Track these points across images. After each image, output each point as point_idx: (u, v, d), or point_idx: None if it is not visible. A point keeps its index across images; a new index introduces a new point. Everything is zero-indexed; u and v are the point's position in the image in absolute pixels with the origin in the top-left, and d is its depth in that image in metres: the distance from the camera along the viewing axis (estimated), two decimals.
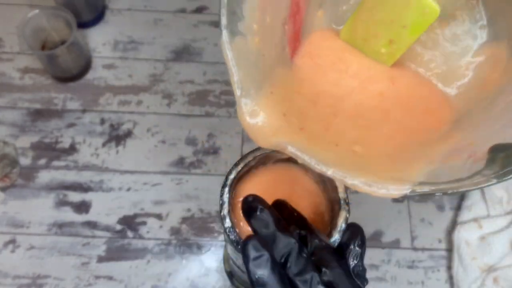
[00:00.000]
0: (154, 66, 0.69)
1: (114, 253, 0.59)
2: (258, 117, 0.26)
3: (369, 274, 0.55)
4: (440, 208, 0.63)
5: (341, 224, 0.33)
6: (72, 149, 0.64)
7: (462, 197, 0.62)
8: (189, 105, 0.67)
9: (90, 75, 0.68)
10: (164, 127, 0.66)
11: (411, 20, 0.31)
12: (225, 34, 0.27)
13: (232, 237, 0.32)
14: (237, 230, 0.33)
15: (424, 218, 0.62)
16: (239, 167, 0.35)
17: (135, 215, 0.61)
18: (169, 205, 0.61)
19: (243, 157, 0.36)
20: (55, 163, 0.63)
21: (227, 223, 0.33)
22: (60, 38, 0.66)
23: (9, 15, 0.71)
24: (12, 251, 0.58)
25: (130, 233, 0.60)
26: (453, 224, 0.61)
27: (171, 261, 0.59)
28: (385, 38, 0.32)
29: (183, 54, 0.71)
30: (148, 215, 0.61)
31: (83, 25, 0.70)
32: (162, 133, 0.65)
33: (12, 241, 0.59)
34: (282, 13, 0.29)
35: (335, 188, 0.35)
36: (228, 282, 0.58)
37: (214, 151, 0.65)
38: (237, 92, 0.25)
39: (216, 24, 0.73)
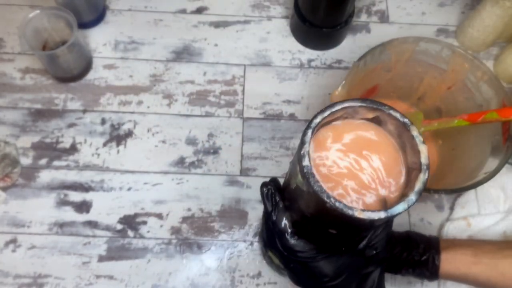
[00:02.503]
0: (155, 66, 0.70)
1: (115, 253, 0.59)
2: (337, 92, 0.54)
3: None
4: (439, 207, 0.63)
5: (419, 186, 0.33)
6: (73, 149, 0.64)
7: (459, 194, 0.63)
8: (189, 105, 0.67)
9: (90, 75, 0.68)
10: (164, 127, 0.66)
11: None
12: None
13: (308, 176, 0.32)
14: (312, 170, 0.32)
15: (423, 217, 0.63)
16: (326, 113, 0.35)
17: (136, 215, 0.61)
18: (169, 204, 0.62)
19: (330, 105, 0.35)
20: (56, 163, 0.63)
21: (306, 161, 0.32)
22: (61, 39, 0.67)
23: (10, 16, 0.71)
24: (13, 251, 0.59)
25: (130, 233, 0.60)
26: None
27: (171, 260, 0.59)
28: None
29: (183, 54, 0.71)
30: (149, 214, 0.61)
31: (84, 25, 0.70)
32: (162, 133, 0.65)
33: (13, 241, 0.59)
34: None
35: (417, 152, 0.34)
36: (228, 281, 0.58)
37: (214, 151, 0.65)
38: (340, 86, 0.54)
39: (216, 25, 0.73)
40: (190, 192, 0.63)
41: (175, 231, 0.60)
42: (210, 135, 0.66)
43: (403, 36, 0.57)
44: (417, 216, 0.63)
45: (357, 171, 0.36)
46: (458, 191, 0.53)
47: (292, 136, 0.66)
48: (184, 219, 0.61)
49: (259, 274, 0.59)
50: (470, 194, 0.62)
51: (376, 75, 0.61)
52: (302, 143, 0.33)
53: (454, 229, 0.60)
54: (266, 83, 0.70)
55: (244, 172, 0.64)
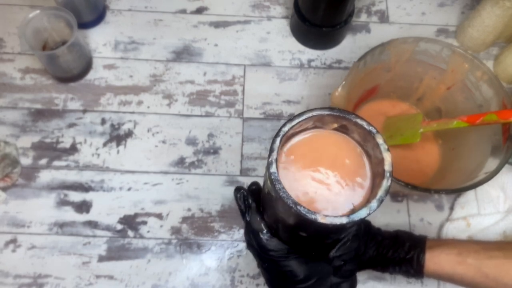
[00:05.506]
0: (155, 66, 0.70)
1: (115, 253, 0.59)
2: (337, 92, 0.54)
3: (368, 274, 0.56)
4: (439, 207, 0.63)
5: (381, 193, 0.34)
6: (73, 149, 0.64)
7: (459, 194, 0.63)
8: (189, 105, 0.67)
9: (90, 75, 0.68)
10: (164, 127, 0.66)
11: (406, 135, 0.61)
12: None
13: (275, 182, 0.33)
14: (278, 177, 0.34)
15: (423, 217, 0.63)
16: (294, 122, 0.36)
17: (136, 215, 0.61)
18: (169, 204, 0.62)
19: (300, 114, 0.36)
20: (56, 163, 0.63)
21: (273, 168, 0.34)
22: (61, 39, 0.67)
23: (10, 16, 0.71)
24: (13, 251, 0.59)
25: (130, 233, 0.60)
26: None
27: (171, 260, 0.59)
28: (390, 132, 0.63)
29: (183, 54, 0.71)
30: (149, 214, 0.61)
31: (84, 25, 0.70)
32: (162, 133, 0.65)
33: (13, 241, 0.59)
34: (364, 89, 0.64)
35: (381, 160, 0.35)
36: (228, 281, 0.58)
37: (214, 151, 0.65)
38: (340, 87, 0.54)
39: (216, 25, 0.73)
40: (190, 192, 0.63)
41: (175, 231, 0.60)
42: (210, 135, 0.66)
43: (403, 36, 0.57)
44: (417, 216, 0.63)
45: (324, 179, 0.37)
46: (458, 191, 0.54)
47: None
48: (184, 219, 0.61)
49: (259, 274, 0.59)
50: (470, 194, 0.62)
51: (376, 75, 0.61)
52: (271, 150, 0.34)
53: (454, 229, 0.60)
54: (266, 83, 0.70)
55: (244, 172, 0.64)
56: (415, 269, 0.47)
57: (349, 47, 0.73)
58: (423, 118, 0.61)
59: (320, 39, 0.71)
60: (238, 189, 0.43)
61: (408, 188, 0.51)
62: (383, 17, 0.76)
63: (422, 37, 0.57)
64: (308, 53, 0.72)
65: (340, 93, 0.54)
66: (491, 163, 0.53)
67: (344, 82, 0.54)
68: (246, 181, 0.63)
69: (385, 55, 0.58)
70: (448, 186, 0.54)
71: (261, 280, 0.59)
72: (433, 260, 0.47)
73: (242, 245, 0.60)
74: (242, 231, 0.61)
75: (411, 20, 0.75)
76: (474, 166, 0.56)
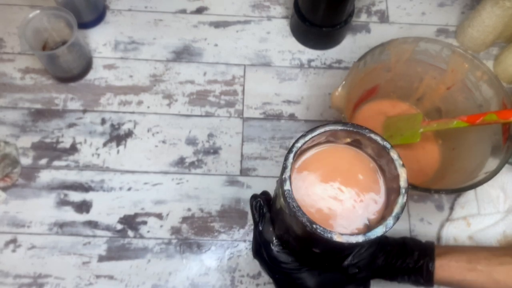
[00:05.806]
0: (155, 66, 0.70)
1: (115, 253, 0.59)
2: (337, 92, 0.54)
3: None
4: (439, 207, 0.63)
5: (397, 210, 0.33)
6: (73, 149, 0.64)
7: (459, 194, 0.63)
8: (189, 105, 0.67)
9: (90, 75, 0.68)
10: (164, 127, 0.66)
11: (406, 135, 0.61)
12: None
13: (289, 200, 0.33)
14: (293, 195, 0.33)
15: (423, 217, 0.63)
16: (307, 138, 0.35)
17: (136, 215, 0.61)
18: (169, 204, 0.62)
19: (312, 129, 0.35)
20: (56, 163, 0.63)
21: (287, 186, 0.33)
22: (61, 39, 0.67)
23: (10, 16, 0.71)
24: (13, 251, 0.59)
25: (130, 233, 0.60)
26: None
27: (171, 260, 0.59)
28: (390, 132, 0.63)
29: (183, 54, 0.71)
30: (149, 214, 0.61)
31: (84, 25, 0.70)
32: (162, 133, 0.65)
33: (13, 241, 0.59)
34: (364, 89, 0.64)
35: (396, 176, 0.35)
36: (228, 281, 0.58)
37: (214, 151, 0.65)
38: (340, 87, 0.54)
39: (216, 25, 0.73)
40: (190, 192, 0.63)
41: (175, 231, 0.60)
42: (210, 135, 0.66)
43: (403, 36, 0.57)
44: (417, 216, 0.63)
45: (338, 194, 0.37)
46: (458, 191, 0.53)
47: (292, 136, 0.66)
48: (184, 219, 0.61)
49: (259, 274, 0.59)
50: (470, 194, 0.62)
51: (376, 75, 0.61)
52: (284, 167, 0.34)
53: (454, 229, 0.60)
54: (266, 83, 0.70)
55: (244, 172, 0.64)
56: (425, 279, 0.47)
57: (349, 47, 0.73)
58: (423, 118, 0.61)
59: (320, 39, 0.71)
60: (254, 197, 0.42)
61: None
62: (383, 17, 0.76)
63: (422, 37, 0.57)
64: (308, 53, 0.72)
65: (340, 93, 0.54)
66: (491, 163, 0.53)
67: (344, 82, 0.54)
68: (246, 181, 0.63)
69: (385, 55, 0.58)
70: (448, 186, 0.54)
71: (261, 280, 0.59)
72: (443, 268, 0.46)
73: (242, 245, 0.60)
74: (242, 230, 0.61)
75: (411, 20, 0.75)
76: (474, 166, 0.56)
